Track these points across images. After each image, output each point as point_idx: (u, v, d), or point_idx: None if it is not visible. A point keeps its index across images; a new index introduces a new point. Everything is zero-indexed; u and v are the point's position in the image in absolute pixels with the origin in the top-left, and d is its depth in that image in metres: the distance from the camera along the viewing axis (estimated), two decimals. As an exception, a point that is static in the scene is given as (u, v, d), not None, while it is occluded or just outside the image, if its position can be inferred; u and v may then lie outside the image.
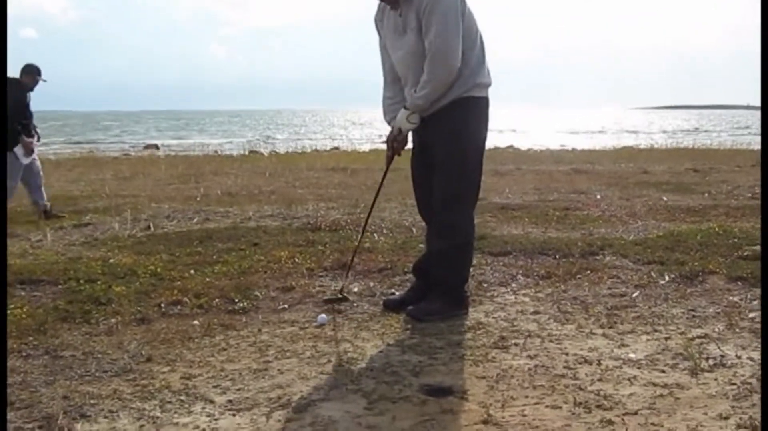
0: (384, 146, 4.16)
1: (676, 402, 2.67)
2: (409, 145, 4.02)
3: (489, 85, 3.84)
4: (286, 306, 4.11)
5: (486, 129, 3.89)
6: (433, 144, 3.81)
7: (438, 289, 3.84)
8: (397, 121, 3.84)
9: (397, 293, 4.23)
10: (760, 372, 2.92)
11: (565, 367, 3.06)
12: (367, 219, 4.45)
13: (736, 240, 5.57)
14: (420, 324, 3.68)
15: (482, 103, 3.82)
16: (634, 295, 4.19)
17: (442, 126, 3.74)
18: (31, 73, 8.21)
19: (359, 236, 4.51)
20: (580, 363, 3.10)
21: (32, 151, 8.14)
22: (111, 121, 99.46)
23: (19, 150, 8.07)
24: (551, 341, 3.42)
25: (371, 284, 4.54)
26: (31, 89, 8.22)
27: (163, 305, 4.08)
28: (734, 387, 2.80)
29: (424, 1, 3.58)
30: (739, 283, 4.38)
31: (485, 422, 2.54)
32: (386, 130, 3.99)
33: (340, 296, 4.09)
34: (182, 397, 2.81)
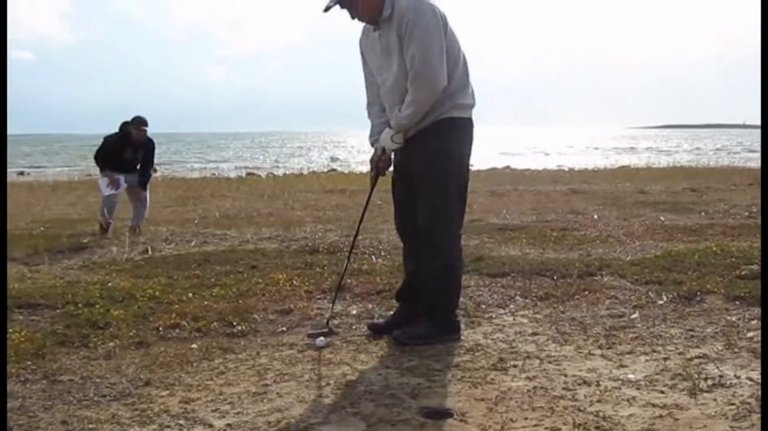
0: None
1: (675, 422, 2.67)
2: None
3: (472, 106, 3.81)
4: (284, 329, 4.11)
5: (470, 149, 3.84)
6: (414, 166, 3.77)
7: (425, 313, 3.81)
8: (381, 141, 3.83)
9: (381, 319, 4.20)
10: (759, 392, 2.92)
11: (564, 388, 3.05)
12: (353, 244, 4.43)
13: (733, 259, 5.57)
14: (418, 346, 3.67)
15: (465, 125, 3.79)
16: (633, 316, 4.19)
17: (423, 148, 3.72)
18: (134, 124, 8.61)
19: (345, 263, 4.36)
20: (579, 385, 3.10)
21: (118, 187, 8.54)
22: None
23: (102, 182, 8.59)
24: (550, 362, 3.41)
25: (369, 306, 4.54)
26: (134, 140, 8.57)
27: (161, 328, 4.08)
28: (733, 407, 2.80)
29: (404, 21, 3.56)
30: (737, 303, 4.39)
31: (485, 444, 2.53)
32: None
33: (326, 329, 3.95)
34: (181, 421, 2.81)
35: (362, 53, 3.96)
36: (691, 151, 54.48)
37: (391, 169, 3.97)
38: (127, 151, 8.61)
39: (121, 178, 8.58)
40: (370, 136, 3.99)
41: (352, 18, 3.74)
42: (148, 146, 8.83)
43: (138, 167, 8.77)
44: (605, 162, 31.19)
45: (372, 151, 3.98)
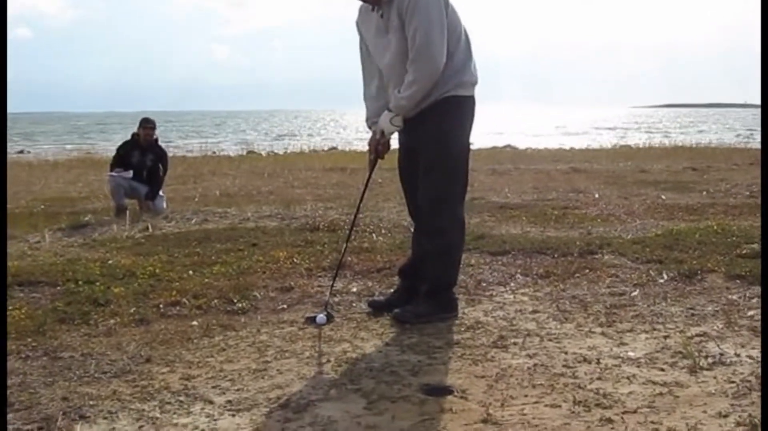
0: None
1: (676, 400, 2.67)
2: (395, 145, 3.96)
3: (474, 83, 3.77)
4: (284, 306, 4.11)
5: (471, 128, 3.81)
6: (418, 145, 3.74)
7: (426, 292, 3.80)
8: (380, 124, 3.78)
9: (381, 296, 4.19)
10: (759, 370, 2.92)
11: (564, 366, 3.06)
12: (354, 222, 4.37)
13: (734, 238, 5.57)
14: (418, 323, 3.67)
15: (468, 103, 3.75)
16: (633, 294, 4.19)
17: (427, 127, 3.68)
18: (140, 124, 8.74)
19: (346, 241, 4.25)
20: (579, 362, 3.10)
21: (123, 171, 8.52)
22: (109, 121, 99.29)
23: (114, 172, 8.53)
24: (550, 340, 3.42)
25: (370, 284, 4.54)
26: (142, 142, 8.68)
27: (161, 306, 4.08)
28: (733, 385, 2.80)
29: (405, 0, 3.53)
30: (738, 281, 4.38)
31: (485, 421, 2.53)
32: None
33: (325, 314, 3.77)
34: (181, 398, 2.81)
35: (360, 35, 3.92)
36: (692, 130, 54.35)
37: (395, 146, 3.94)
38: (135, 154, 8.56)
39: (130, 172, 8.47)
40: (367, 119, 3.94)
41: None
42: (158, 152, 8.75)
43: (147, 178, 8.58)
44: (607, 141, 31.07)
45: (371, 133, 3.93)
